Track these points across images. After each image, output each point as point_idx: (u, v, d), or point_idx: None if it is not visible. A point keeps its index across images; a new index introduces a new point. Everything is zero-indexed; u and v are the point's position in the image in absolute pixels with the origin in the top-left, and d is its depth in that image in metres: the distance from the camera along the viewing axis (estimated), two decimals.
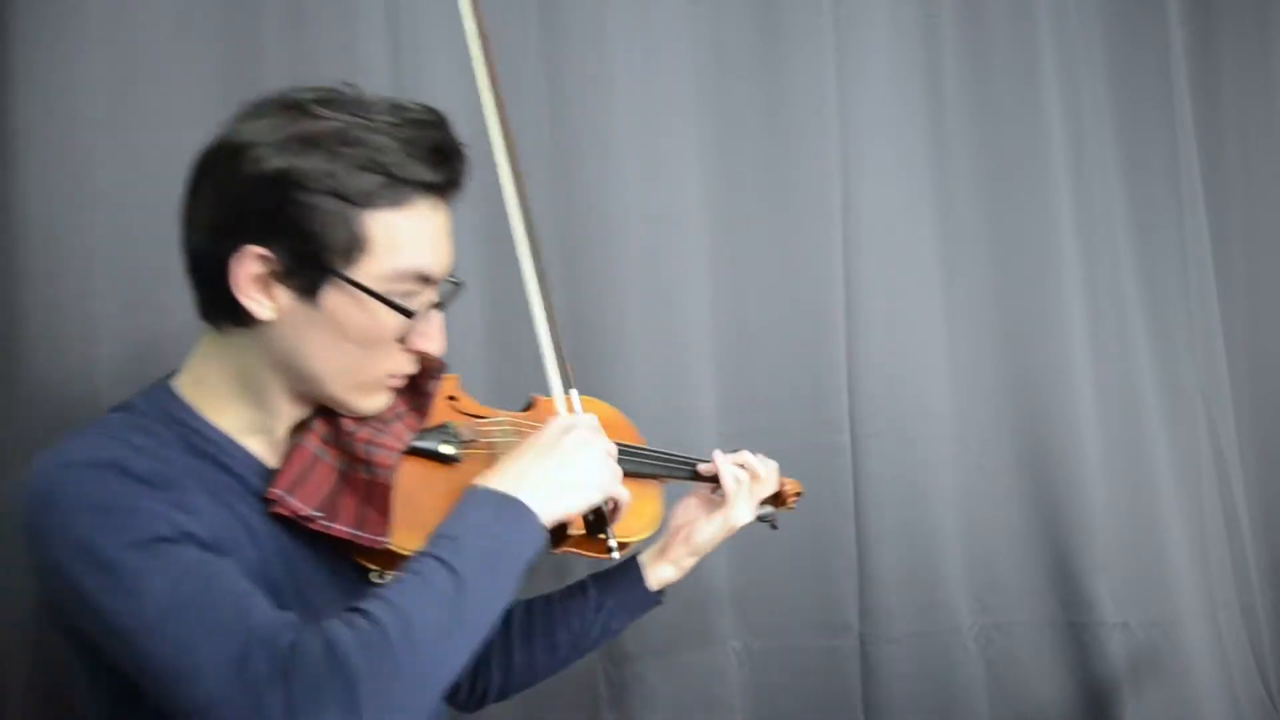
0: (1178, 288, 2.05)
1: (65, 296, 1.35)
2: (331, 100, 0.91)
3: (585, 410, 1.09)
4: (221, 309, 0.92)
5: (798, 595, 1.74)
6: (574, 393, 1.07)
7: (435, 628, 0.82)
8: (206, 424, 0.93)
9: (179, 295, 1.38)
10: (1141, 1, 2.07)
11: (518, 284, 1.06)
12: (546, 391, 1.08)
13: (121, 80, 1.39)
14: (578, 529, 1.05)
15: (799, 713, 1.72)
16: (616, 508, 1.04)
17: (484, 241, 1.51)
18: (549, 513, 0.92)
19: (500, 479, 0.93)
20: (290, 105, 0.90)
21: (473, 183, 0.97)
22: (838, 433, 1.77)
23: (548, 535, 0.92)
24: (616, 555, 1.06)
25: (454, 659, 0.84)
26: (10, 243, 1.34)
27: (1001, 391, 1.89)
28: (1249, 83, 2.17)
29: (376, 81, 1.52)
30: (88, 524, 0.81)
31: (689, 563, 1.24)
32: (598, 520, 1.04)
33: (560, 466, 0.95)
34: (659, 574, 1.23)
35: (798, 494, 1.34)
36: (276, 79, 1.44)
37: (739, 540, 1.68)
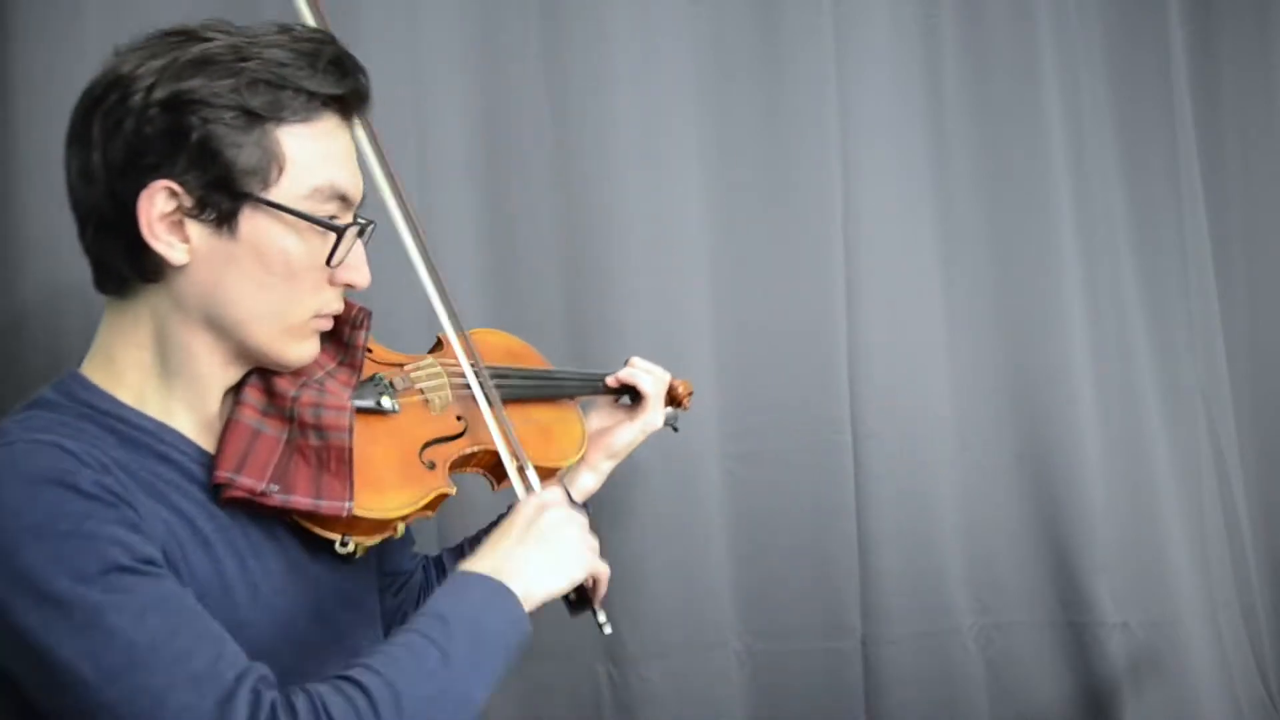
0: (1178, 288, 2.05)
1: (65, 296, 1.35)
2: (216, 25, 0.86)
3: (486, 342, 1.10)
4: (126, 266, 0.85)
5: (799, 596, 1.73)
6: (530, 472, 1.05)
7: (423, 703, 0.79)
8: (131, 410, 0.86)
9: None
10: (1141, 1, 2.07)
11: (391, 235, 1.03)
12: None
13: None
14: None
15: (801, 714, 1.72)
16: (597, 584, 1.03)
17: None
18: (534, 597, 0.92)
19: (486, 563, 0.91)
20: (174, 33, 0.85)
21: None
22: (838, 433, 1.76)
23: (529, 623, 0.90)
24: (607, 630, 1.05)
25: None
26: (10, 242, 1.34)
27: (1001, 391, 1.89)
28: (1249, 83, 2.17)
29: (378, 82, 1.52)
30: (33, 553, 0.72)
31: (607, 467, 1.27)
32: (580, 598, 1.03)
33: (542, 551, 0.94)
34: (582, 485, 1.25)
35: (690, 393, 1.36)
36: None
37: (740, 541, 1.70)
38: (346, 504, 0.89)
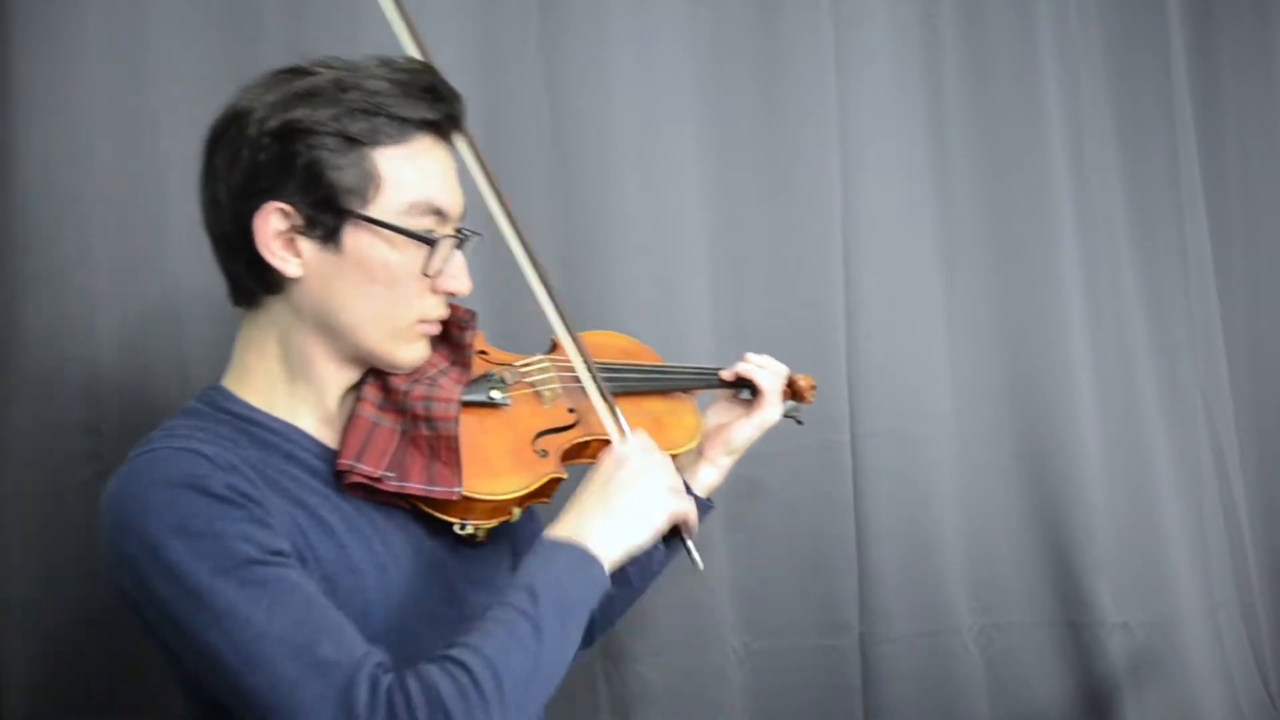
0: (1178, 288, 2.05)
1: (66, 296, 1.35)
2: (323, 61, 0.96)
3: (599, 342, 1.13)
4: (252, 281, 0.95)
5: (798, 595, 1.74)
6: (622, 422, 1.09)
7: (520, 676, 0.85)
8: (262, 414, 0.96)
9: (180, 293, 1.40)
10: (1141, 1, 2.07)
11: (501, 246, 1.07)
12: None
13: (121, 79, 1.39)
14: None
15: (799, 713, 1.72)
16: (686, 523, 1.06)
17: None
18: (615, 556, 0.95)
19: (569, 525, 0.96)
20: (285, 70, 0.95)
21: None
22: (838, 432, 1.76)
23: (609, 583, 0.95)
24: (700, 565, 1.08)
25: (534, 705, 0.88)
26: (10, 242, 1.34)
27: (1001, 391, 1.89)
28: (1249, 83, 2.17)
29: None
30: (175, 550, 0.82)
31: (726, 462, 1.29)
32: (672, 534, 1.06)
33: (622, 506, 0.98)
34: (702, 479, 1.28)
35: (812, 386, 1.36)
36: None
37: (739, 540, 1.70)
38: (456, 488, 0.96)
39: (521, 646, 0.86)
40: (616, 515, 0.97)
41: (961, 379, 1.86)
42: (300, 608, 0.83)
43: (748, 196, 1.76)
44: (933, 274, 1.87)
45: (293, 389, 0.97)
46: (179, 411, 0.96)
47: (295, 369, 0.97)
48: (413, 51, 1.00)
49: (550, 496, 1.07)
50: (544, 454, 1.06)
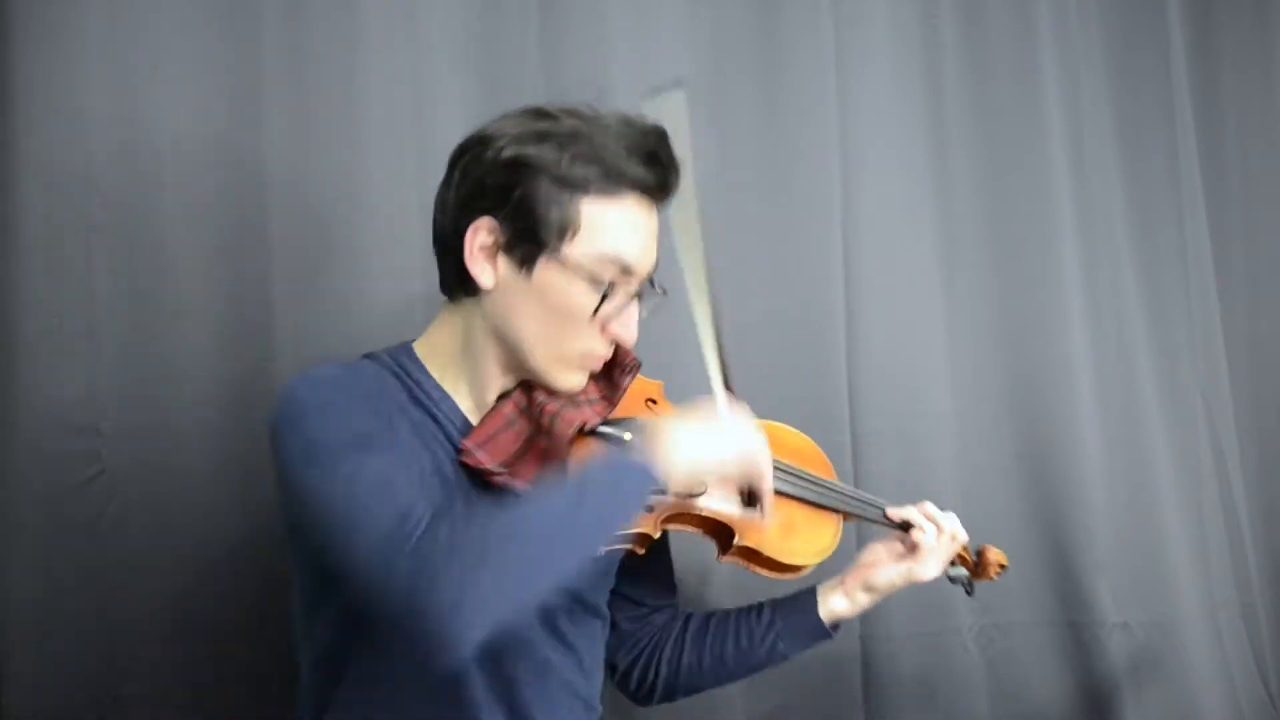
0: (1178, 288, 2.06)
1: (66, 296, 1.35)
2: (572, 109, 1.05)
3: (776, 438, 1.13)
4: (455, 279, 1.06)
5: None
6: (734, 388, 1.12)
7: (543, 531, 0.91)
8: (429, 378, 1.08)
9: (180, 294, 1.40)
10: (1141, 1, 2.07)
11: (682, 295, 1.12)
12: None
13: (121, 79, 1.39)
14: (738, 520, 1.13)
15: (799, 713, 1.72)
16: (759, 489, 1.09)
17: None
18: (680, 459, 0.98)
19: (644, 425, 1.03)
20: (537, 110, 1.06)
21: None
22: (838, 433, 1.76)
23: (661, 477, 0.97)
24: (761, 518, 1.10)
25: (564, 559, 0.93)
26: (10, 242, 1.34)
27: (1001, 391, 1.89)
28: (1249, 83, 2.17)
29: (378, 82, 1.52)
30: (312, 420, 0.96)
31: (864, 600, 1.27)
32: (748, 501, 1.10)
33: (702, 428, 1.03)
34: (832, 606, 1.26)
35: (1001, 566, 1.31)
36: (278, 79, 1.47)
37: None
38: None
39: (555, 515, 0.92)
40: (699, 451, 1.01)
41: (961, 379, 1.86)
42: (387, 470, 0.94)
43: (748, 196, 1.76)
44: (933, 274, 1.87)
45: (461, 371, 1.08)
46: (363, 355, 1.10)
47: (468, 358, 1.08)
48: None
49: (642, 549, 1.11)
50: (649, 509, 1.08)
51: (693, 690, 1.30)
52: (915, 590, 1.75)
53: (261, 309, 1.43)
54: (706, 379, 1.11)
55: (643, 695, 1.32)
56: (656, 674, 1.28)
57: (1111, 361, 1.95)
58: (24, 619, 1.32)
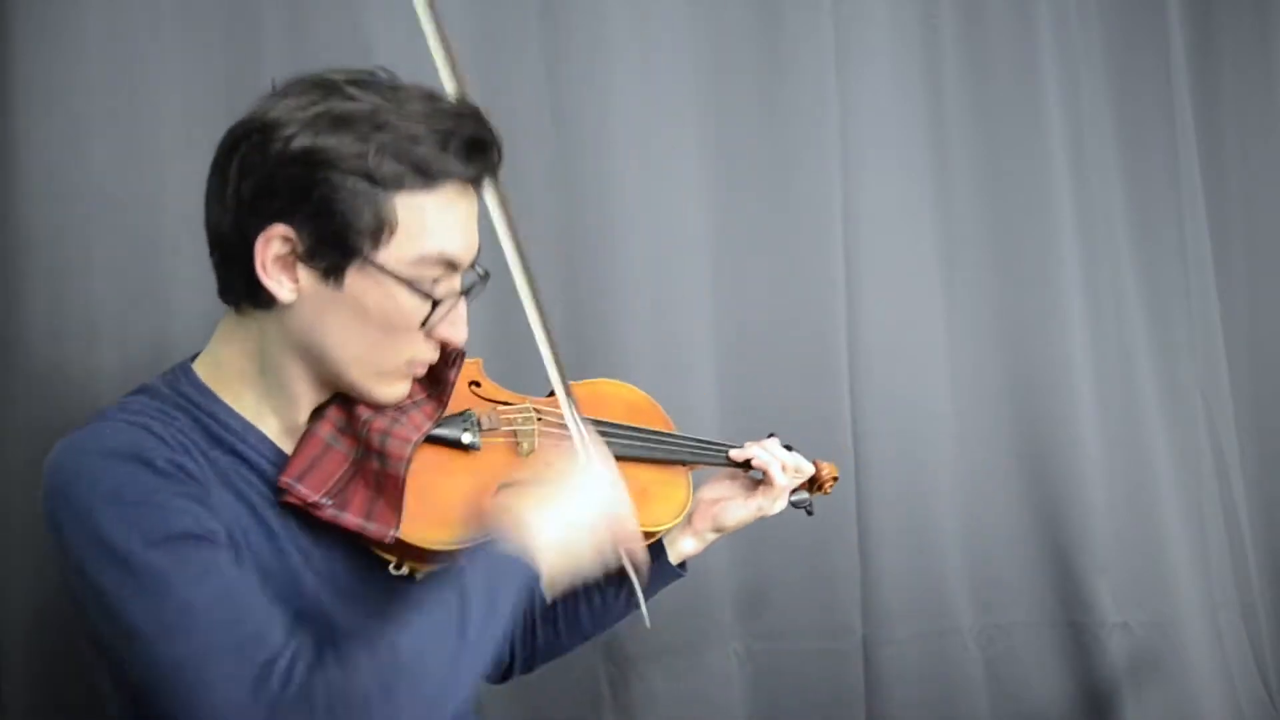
0: (1178, 288, 2.06)
1: (66, 296, 1.35)
2: (364, 82, 0.90)
3: (605, 393, 1.08)
4: (241, 289, 0.90)
5: (799, 597, 1.73)
6: (583, 430, 1.02)
7: (436, 671, 0.81)
8: (225, 407, 0.92)
9: (180, 294, 1.40)
10: (1141, 1, 2.07)
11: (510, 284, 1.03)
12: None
13: (121, 79, 1.39)
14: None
15: (801, 714, 1.72)
16: (635, 566, 1.03)
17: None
18: (557, 573, 0.91)
19: (515, 522, 0.89)
20: (322, 84, 0.89)
21: None
22: (838, 433, 1.76)
23: (540, 577, 0.89)
24: (647, 621, 1.06)
25: (455, 696, 0.83)
26: (11, 242, 1.34)
27: (1001, 391, 1.89)
28: (1249, 83, 2.17)
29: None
30: (107, 518, 0.80)
31: (711, 537, 1.24)
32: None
33: (575, 522, 0.93)
34: (681, 548, 1.22)
35: (834, 479, 1.32)
36: (278, 78, 1.46)
37: (740, 541, 1.70)
38: (392, 530, 0.91)
39: (443, 638, 0.82)
40: (567, 528, 0.91)
41: (961, 379, 1.86)
42: (227, 587, 0.80)
43: (748, 196, 1.76)
44: (933, 274, 1.87)
45: (262, 394, 0.94)
46: (138, 387, 0.93)
47: (269, 379, 0.93)
48: (442, 65, 0.94)
49: None
50: None
51: (555, 657, 1.24)
52: (915, 590, 1.78)
53: None
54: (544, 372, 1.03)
55: (498, 678, 1.24)
56: (512, 657, 1.22)
57: (1111, 361, 1.95)
58: (23, 619, 1.32)
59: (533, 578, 0.88)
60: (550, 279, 1.62)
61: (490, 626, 0.85)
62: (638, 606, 1.06)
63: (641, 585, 1.06)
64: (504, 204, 0.96)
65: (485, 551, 0.88)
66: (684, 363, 1.69)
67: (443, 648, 0.82)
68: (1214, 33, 2.16)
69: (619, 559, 1.01)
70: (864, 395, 1.79)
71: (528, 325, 1.00)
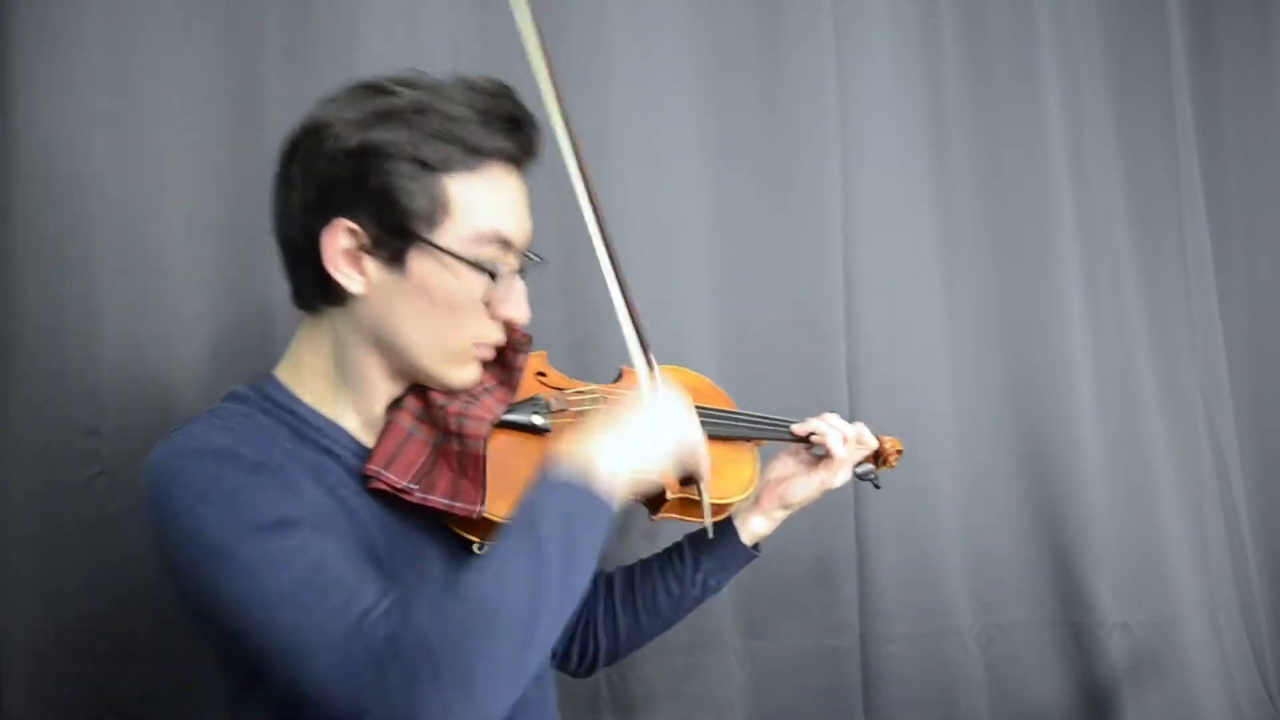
0: (1178, 288, 2.06)
1: (66, 296, 1.35)
2: (405, 80, 0.96)
3: (675, 379, 1.09)
4: (314, 290, 0.97)
5: (798, 595, 1.73)
6: (654, 363, 1.05)
7: (519, 612, 0.83)
8: (307, 408, 0.98)
9: (180, 293, 1.40)
10: (1141, 1, 2.07)
11: (592, 262, 1.05)
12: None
13: (121, 79, 1.39)
14: (675, 493, 1.11)
15: (800, 713, 1.72)
16: (699, 471, 1.06)
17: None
18: (622, 477, 0.92)
19: (577, 448, 0.91)
20: (367, 86, 0.95)
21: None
22: None
23: (614, 504, 0.91)
24: (710, 531, 1.10)
25: (541, 638, 0.86)
26: (11, 242, 1.34)
27: (1001, 391, 1.89)
28: (1249, 83, 2.17)
29: None
30: (202, 515, 0.85)
31: (780, 515, 1.27)
32: (687, 485, 1.08)
33: (634, 431, 0.95)
34: (753, 528, 1.25)
35: (898, 451, 1.34)
36: (278, 77, 1.46)
37: None
38: (478, 507, 0.96)
39: (520, 580, 0.84)
40: (629, 444, 0.93)
41: (961, 379, 1.86)
42: (317, 561, 0.85)
43: (748, 196, 1.76)
44: (933, 274, 1.87)
45: (342, 392, 0.99)
46: (226, 395, 1.00)
47: (346, 375, 0.99)
48: (536, 58, 0.97)
49: None
50: None
51: (637, 647, 1.28)
52: (915, 590, 1.78)
53: (262, 309, 1.43)
54: (625, 348, 1.04)
55: (584, 670, 1.28)
56: (596, 646, 1.26)
57: (1111, 361, 1.95)
58: (23, 619, 1.32)
59: (610, 512, 0.90)
60: (549, 279, 1.62)
61: (572, 565, 0.87)
62: (706, 527, 1.11)
63: (708, 500, 1.10)
64: (585, 176, 1.00)
65: (558, 490, 0.89)
66: (684, 362, 1.68)
67: (525, 588, 0.84)
68: (1214, 33, 2.16)
69: (689, 476, 1.06)
70: (863, 395, 1.79)
71: (591, 325, 1.04)
